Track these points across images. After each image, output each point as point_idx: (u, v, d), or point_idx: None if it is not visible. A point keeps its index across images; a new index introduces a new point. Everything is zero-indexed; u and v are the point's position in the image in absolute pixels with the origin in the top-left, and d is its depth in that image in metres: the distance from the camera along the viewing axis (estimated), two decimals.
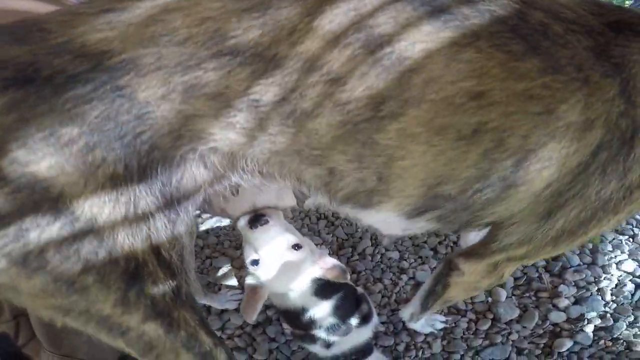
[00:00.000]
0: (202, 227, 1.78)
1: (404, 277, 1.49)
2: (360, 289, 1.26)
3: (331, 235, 1.67)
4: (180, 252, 0.69)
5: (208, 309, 1.45)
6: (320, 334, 1.09)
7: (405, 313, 1.25)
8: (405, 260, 1.55)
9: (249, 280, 1.06)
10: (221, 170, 0.66)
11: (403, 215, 0.76)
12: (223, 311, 1.44)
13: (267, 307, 1.42)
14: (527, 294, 1.41)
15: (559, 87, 0.62)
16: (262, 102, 0.59)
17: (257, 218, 0.99)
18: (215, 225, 1.75)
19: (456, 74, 0.60)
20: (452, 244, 1.60)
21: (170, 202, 0.64)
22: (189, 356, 0.73)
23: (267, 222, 0.98)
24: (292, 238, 1.03)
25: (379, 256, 1.57)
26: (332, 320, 1.08)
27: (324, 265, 1.05)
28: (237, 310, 1.42)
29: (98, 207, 0.56)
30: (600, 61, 0.63)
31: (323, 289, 1.07)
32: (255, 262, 1.01)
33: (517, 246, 0.81)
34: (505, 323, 1.33)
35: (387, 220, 0.81)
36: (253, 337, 1.37)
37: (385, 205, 0.74)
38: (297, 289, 1.05)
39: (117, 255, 0.59)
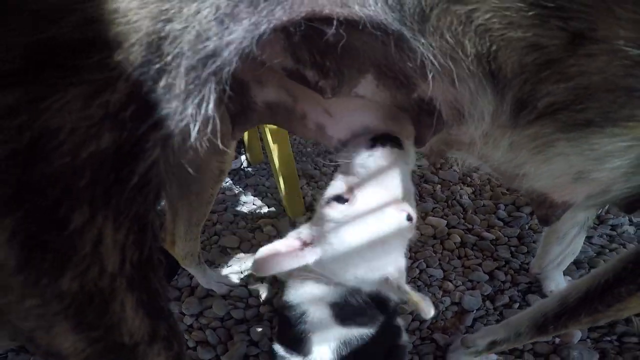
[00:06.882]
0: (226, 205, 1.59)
1: (446, 301, 1.23)
2: (406, 338, 0.94)
3: None
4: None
5: (192, 288, 1.25)
6: None
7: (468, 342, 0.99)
8: (451, 281, 1.29)
9: (304, 229, 0.70)
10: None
11: None
12: (207, 295, 1.22)
13: (266, 300, 1.21)
14: (608, 338, 1.10)
15: None
16: None
17: (386, 137, 0.64)
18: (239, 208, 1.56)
19: None
20: (512, 272, 1.31)
21: None
22: None
23: (396, 145, 0.63)
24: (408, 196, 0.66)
25: (417, 271, 1.32)
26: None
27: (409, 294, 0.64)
28: (224, 297, 1.20)
29: None
30: None
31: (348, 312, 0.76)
32: (340, 200, 0.64)
33: None
34: None
35: None
36: (230, 335, 1.13)
37: None
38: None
39: None
